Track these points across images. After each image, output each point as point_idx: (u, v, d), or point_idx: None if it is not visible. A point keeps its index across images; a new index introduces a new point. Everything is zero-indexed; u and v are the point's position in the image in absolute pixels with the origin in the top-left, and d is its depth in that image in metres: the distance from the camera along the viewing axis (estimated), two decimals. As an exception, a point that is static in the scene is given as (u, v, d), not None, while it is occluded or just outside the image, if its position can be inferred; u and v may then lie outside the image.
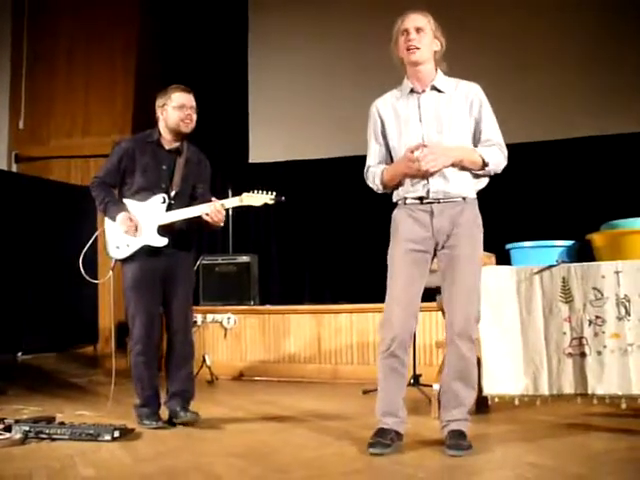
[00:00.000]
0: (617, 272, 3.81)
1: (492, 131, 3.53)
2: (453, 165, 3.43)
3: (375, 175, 3.61)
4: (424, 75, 3.53)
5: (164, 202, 4.27)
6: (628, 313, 3.76)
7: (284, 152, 8.53)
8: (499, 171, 3.54)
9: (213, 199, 4.26)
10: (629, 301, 3.77)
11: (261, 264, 7.84)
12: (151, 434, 4.01)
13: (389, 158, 3.62)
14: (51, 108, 8.97)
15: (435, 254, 3.53)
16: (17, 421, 3.92)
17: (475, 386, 3.51)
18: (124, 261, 4.30)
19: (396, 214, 3.60)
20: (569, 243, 4.23)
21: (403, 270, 3.49)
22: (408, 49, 3.47)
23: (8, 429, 3.82)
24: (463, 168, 3.47)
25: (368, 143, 3.69)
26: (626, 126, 7.24)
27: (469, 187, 3.51)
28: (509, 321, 3.99)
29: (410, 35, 3.46)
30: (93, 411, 4.70)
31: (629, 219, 4.07)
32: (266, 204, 4.28)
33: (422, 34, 3.47)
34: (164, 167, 4.31)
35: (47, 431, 3.81)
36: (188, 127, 4.32)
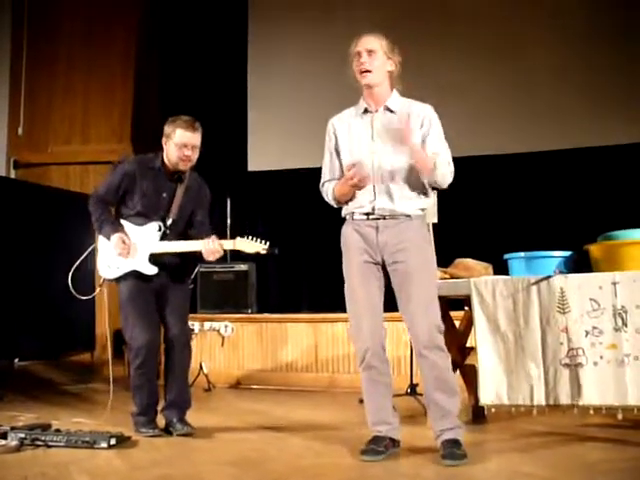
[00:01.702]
0: (614, 283, 3.81)
1: (440, 146, 3.57)
2: (415, 158, 3.45)
3: (328, 191, 3.71)
4: (378, 96, 3.62)
5: (159, 230, 4.27)
6: (625, 324, 3.77)
7: (283, 160, 8.53)
8: (445, 184, 3.55)
9: (213, 237, 4.20)
10: (626, 312, 3.77)
11: (259, 272, 7.83)
12: (147, 442, 4.00)
13: (342, 174, 3.65)
14: (50, 115, 8.98)
15: (384, 269, 3.57)
16: (13, 428, 3.91)
17: (456, 390, 3.51)
18: (116, 280, 4.31)
19: (344, 230, 3.68)
20: (566, 254, 4.24)
21: (361, 282, 3.56)
22: (360, 72, 3.57)
23: (4, 436, 3.81)
24: (409, 185, 3.51)
25: (324, 158, 3.80)
26: (624, 137, 7.26)
27: (414, 205, 3.55)
28: (506, 331, 3.99)
29: (361, 58, 3.56)
30: (89, 418, 4.69)
31: (626, 230, 4.08)
32: (258, 253, 4.29)
33: (373, 56, 3.56)
34: (164, 195, 4.32)
35: (43, 438, 3.80)
36: (186, 166, 4.31)
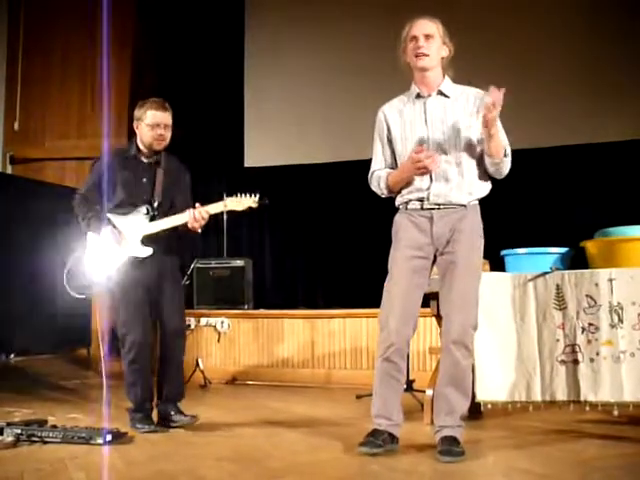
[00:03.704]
0: (610, 280, 3.82)
1: (501, 136, 3.49)
2: (491, 136, 3.36)
3: (380, 179, 3.62)
4: (431, 80, 3.54)
5: (147, 213, 4.28)
6: (621, 321, 3.78)
7: (280, 156, 8.53)
8: (504, 174, 3.53)
9: (197, 205, 4.21)
10: (622, 309, 3.78)
11: (255, 268, 7.83)
12: (143, 438, 4.00)
13: (394, 163, 3.62)
14: (46, 110, 8.96)
15: (435, 260, 3.53)
16: (9, 424, 3.89)
17: (469, 394, 3.49)
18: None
19: (397, 219, 3.60)
20: (563, 250, 4.24)
21: (403, 277, 3.49)
22: (417, 55, 3.49)
23: (0, 432, 3.81)
24: (489, 147, 3.41)
25: (374, 147, 3.70)
26: (622, 134, 7.26)
27: (470, 194, 3.50)
28: (503, 327, 4.00)
29: (419, 42, 3.48)
30: (85, 414, 4.69)
31: (623, 227, 4.09)
32: (250, 208, 4.27)
33: (431, 41, 3.49)
34: (144, 180, 4.33)
35: (39, 434, 3.80)
36: (161, 145, 4.32)
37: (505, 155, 3.48)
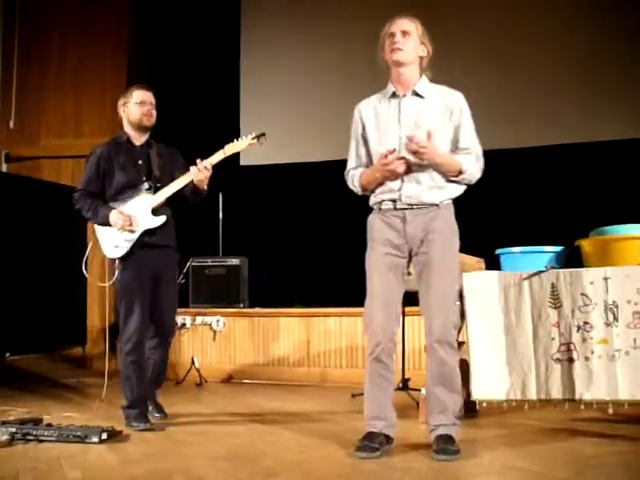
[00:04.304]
0: (605, 278, 3.82)
1: (471, 140, 3.55)
2: (435, 166, 3.44)
3: (354, 178, 3.65)
4: (406, 79, 3.56)
5: (150, 188, 4.38)
6: (616, 319, 3.78)
7: (275, 155, 8.51)
8: (473, 182, 3.56)
9: (198, 160, 4.29)
10: (617, 307, 3.78)
11: (251, 267, 7.82)
12: (139, 436, 4.00)
13: (369, 161, 3.64)
14: (42, 108, 8.93)
15: (410, 259, 3.55)
16: (4, 422, 3.90)
17: (459, 390, 3.51)
18: (122, 258, 4.34)
19: (371, 219, 3.63)
20: (558, 249, 4.25)
21: (381, 275, 3.52)
22: (392, 50, 3.51)
23: (-5, 430, 3.81)
24: (439, 172, 3.48)
25: (349, 145, 3.73)
26: (616, 133, 7.28)
27: (443, 193, 3.52)
28: (498, 326, 4.00)
29: (395, 37, 3.51)
30: (81, 413, 4.69)
31: (618, 225, 4.09)
32: (251, 145, 4.44)
33: (408, 37, 3.52)
34: (140, 162, 4.44)
35: (34, 433, 3.80)
36: (150, 121, 4.46)
37: (461, 172, 3.49)
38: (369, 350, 3.50)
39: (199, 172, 4.23)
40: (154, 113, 4.47)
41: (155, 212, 4.35)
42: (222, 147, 4.35)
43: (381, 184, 3.54)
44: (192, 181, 4.28)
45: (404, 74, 3.55)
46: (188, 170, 4.42)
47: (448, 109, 3.53)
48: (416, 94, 3.56)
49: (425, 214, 3.48)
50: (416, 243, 3.49)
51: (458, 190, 3.58)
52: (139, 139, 4.48)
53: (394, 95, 3.59)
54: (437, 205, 3.49)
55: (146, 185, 4.37)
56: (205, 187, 4.34)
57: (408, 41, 3.51)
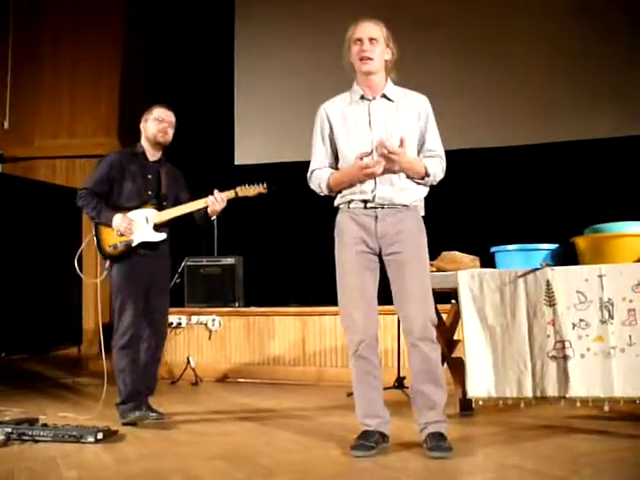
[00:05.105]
0: (600, 276, 3.83)
1: (436, 142, 3.60)
2: (402, 170, 3.47)
3: (321, 180, 3.64)
4: (375, 83, 3.58)
5: (155, 205, 4.48)
6: (611, 316, 3.78)
7: (269, 154, 8.53)
8: (435, 182, 3.60)
9: (215, 191, 4.44)
10: (612, 304, 3.78)
11: (246, 266, 7.83)
12: (134, 436, 4.00)
13: (334, 162, 3.65)
14: (36, 108, 8.93)
15: (381, 259, 3.55)
16: (0, 423, 3.89)
17: (444, 384, 3.51)
18: (116, 260, 4.41)
19: (339, 218, 3.63)
20: (553, 246, 4.25)
21: (356, 273, 3.52)
22: (361, 59, 3.53)
23: (-10, 431, 3.80)
24: (407, 176, 3.52)
25: (313, 145, 3.73)
26: (610, 131, 7.29)
27: (412, 195, 3.55)
28: (493, 324, 4.01)
29: (364, 45, 3.52)
30: (76, 413, 4.68)
31: (613, 223, 4.10)
32: (261, 193, 4.58)
33: (375, 44, 3.53)
34: (149, 176, 4.55)
35: (30, 433, 3.79)
36: (164, 138, 4.56)
37: (427, 175, 3.53)
38: (351, 349, 3.50)
39: (216, 203, 4.39)
40: (170, 132, 4.58)
41: (157, 227, 4.45)
42: (234, 188, 4.51)
43: (351, 186, 3.54)
44: (205, 208, 4.43)
45: (373, 80, 3.58)
46: (188, 192, 4.62)
47: (415, 112, 3.57)
48: (385, 97, 3.58)
49: (394, 214, 3.50)
50: (386, 243, 3.50)
51: (424, 191, 3.63)
52: (153, 155, 4.60)
53: (362, 98, 3.60)
54: (407, 206, 3.52)
55: (153, 201, 4.48)
56: (216, 213, 4.49)
57: (376, 48, 3.52)
